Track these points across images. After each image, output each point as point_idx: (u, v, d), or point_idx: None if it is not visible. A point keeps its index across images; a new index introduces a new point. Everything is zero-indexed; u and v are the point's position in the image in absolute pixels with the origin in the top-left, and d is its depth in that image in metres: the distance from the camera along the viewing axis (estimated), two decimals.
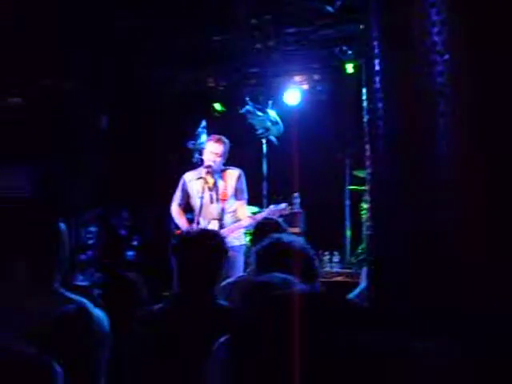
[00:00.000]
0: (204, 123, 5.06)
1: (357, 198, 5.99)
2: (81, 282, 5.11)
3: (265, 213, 4.24)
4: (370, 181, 1.61)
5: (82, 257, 5.58)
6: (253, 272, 2.28)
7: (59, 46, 4.89)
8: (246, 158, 5.56)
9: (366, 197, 1.78)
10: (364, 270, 3.18)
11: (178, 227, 4.45)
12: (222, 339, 1.42)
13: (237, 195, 4.35)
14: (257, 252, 2.12)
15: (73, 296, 1.85)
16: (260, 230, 3.06)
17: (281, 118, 6.14)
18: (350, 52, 5.74)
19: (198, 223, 4.22)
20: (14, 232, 1.84)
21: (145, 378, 2.02)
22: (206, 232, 2.45)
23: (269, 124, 6.03)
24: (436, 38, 1.35)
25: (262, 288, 1.39)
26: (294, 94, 6.39)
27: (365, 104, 1.60)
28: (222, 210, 4.30)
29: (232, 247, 4.05)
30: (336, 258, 5.88)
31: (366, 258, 4.56)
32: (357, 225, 6.00)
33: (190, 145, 5.00)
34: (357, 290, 2.86)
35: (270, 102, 6.20)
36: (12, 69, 4.77)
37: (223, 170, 4.36)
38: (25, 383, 1.24)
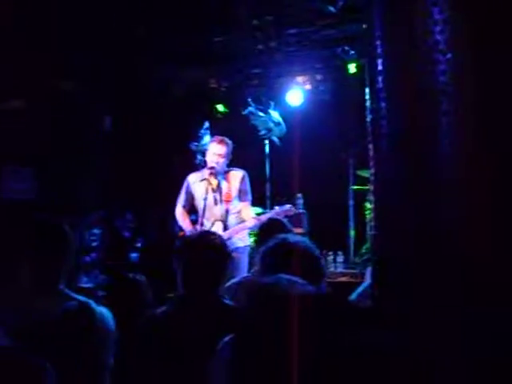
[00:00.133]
0: (207, 124, 5.05)
1: (360, 197, 5.96)
2: (85, 283, 5.13)
3: (270, 214, 4.23)
4: (373, 180, 1.61)
5: (86, 259, 5.58)
6: (257, 273, 2.28)
7: (62, 47, 4.91)
8: (248, 159, 5.54)
9: (370, 196, 1.78)
10: (369, 270, 3.18)
11: (181, 229, 4.45)
12: (227, 338, 1.42)
13: (241, 196, 4.33)
14: (262, 253, 2.11)
15: (78, 297, 1.86)
16: (265, 231, 3.06)
17: (283, 118, 6.14)
18: (352, 52, 5.74)
19: (202, 225, 4.21)
20: (20, 234, 1.85)
21: (150, 380, 2.02)
22: (207, 234, 2.46)
23: (271, 125, 6.03)
24: (438, 37, 1.35)
25: (269, 289, 1.39)
26: (296, 94, 6.39)
27: (368, 103, 1.60)
28: (226, 212, 4.29)
29: (236, 248, 4.06)
30: (340, 258, 5.85)
31: (370, 257, 4.55)
32: (361, 225, 5.97)
33: (193, 146, 4.99)
34: (360, 288, 2.86)
35: (273, 103, 6.21)
36: (14, 70, 4.79)
37: (227, 172, 4.35)
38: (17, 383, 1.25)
